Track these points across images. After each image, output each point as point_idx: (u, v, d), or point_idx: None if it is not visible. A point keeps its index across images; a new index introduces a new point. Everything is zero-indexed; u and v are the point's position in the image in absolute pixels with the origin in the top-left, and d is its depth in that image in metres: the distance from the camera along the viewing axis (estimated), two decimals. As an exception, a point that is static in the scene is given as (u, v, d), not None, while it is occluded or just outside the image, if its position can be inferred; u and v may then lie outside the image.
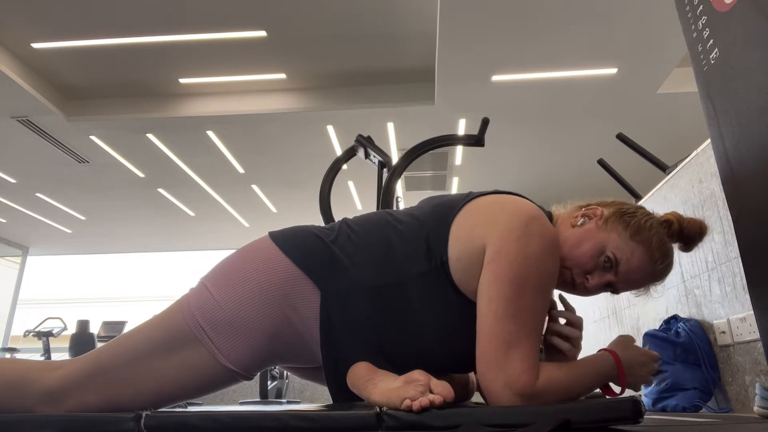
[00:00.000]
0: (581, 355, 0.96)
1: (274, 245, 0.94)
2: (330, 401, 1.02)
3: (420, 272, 0.90)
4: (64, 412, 0.86)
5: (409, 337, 0.91)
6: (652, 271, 0.96)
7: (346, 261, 0.92)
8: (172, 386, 0.89)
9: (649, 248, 0.94)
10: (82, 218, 8.38)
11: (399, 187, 6.21)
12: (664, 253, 0.96)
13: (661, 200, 2.29)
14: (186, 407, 1.00)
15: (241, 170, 6.71)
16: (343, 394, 0.92)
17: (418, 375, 0.78)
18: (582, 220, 0.97)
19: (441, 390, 0.73)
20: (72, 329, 6.20)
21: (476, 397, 1.20)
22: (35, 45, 4.75)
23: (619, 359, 0.90)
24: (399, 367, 0.88)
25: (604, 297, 2.70)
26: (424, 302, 0.90)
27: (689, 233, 0.99)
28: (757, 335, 1.58)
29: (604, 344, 0.96)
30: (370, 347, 0.90)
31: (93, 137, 5.75)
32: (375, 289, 0.90)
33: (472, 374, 1.12)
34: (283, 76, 5.32)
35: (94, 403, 0.87)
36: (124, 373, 0.87)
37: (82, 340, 5.97)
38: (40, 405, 0.87)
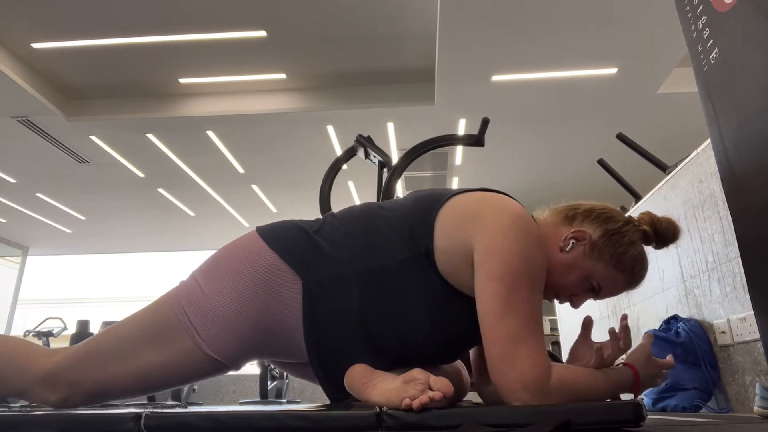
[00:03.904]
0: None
1: (260, 238, 0.97)
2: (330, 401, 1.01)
3: (403, 258, 0.92)
4: (64, 412, 0.87)
5: (392, 323, 0.91)
6: (629, 288, 1.03)
7: (328, 249, 0.94)
8: (158, 373, 0.92)
9: (630, 274, 1.00)
10: (82, 218, 8.37)
11: (399, 187, 6.21)
12: (642, 274, 1.02)
13: (661, 200, 2.28)
14: (186, 407, 1.00)
15: (241, 170, 6.71)
16: (332, 386, 0.93)
17: (417, 374, 0.78)
18: (570, 244, 0.97)
19: (440, 386, 0.73)
20: (72, 329, 6.19)
21: (476, 398, 1.20)
22: (35, 45, 4.75)
23: (639, 380, 0.92)
24: (383, 356, 0.89)
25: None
26: (406, 288, 0.91)
27: (664, 239, 1.04)
28: (757, 335, 1.58)
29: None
30: (353, 335, 0.91)
31: (93, 137, 5.75)
32: (357, 275, 0.91)
33: (465, 372, 1.12)
34: (283, 76, 5.32)
35: (84, 386, 0.92)
36: (113, 360, 0.92)
37: (82, 340, 5.96)
38: (37, 387, 0.93)
